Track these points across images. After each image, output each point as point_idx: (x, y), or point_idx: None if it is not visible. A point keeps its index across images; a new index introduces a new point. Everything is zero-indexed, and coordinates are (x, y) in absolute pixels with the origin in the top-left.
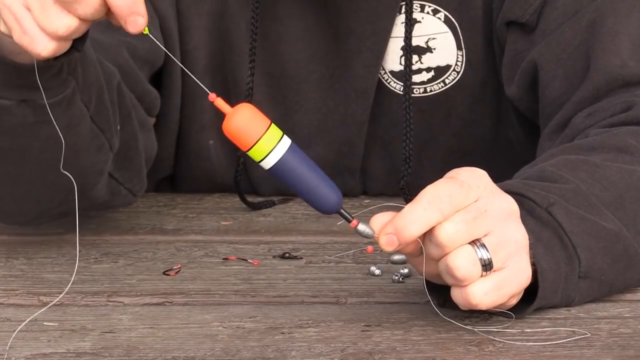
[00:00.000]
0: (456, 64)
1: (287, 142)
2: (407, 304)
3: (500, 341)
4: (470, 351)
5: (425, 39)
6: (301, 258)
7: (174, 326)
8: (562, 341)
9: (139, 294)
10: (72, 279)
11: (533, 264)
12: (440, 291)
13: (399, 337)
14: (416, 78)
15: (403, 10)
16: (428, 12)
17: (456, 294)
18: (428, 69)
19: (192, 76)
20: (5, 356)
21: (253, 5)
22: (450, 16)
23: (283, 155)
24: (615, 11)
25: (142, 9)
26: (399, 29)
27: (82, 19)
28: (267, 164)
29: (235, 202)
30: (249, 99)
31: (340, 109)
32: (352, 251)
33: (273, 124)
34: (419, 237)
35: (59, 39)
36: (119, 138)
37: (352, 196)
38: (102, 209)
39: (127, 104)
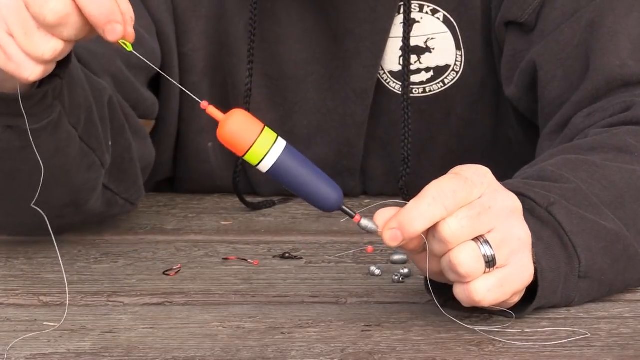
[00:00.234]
0: (455, 64)
1: (282, 144)
2: (407, 304)
3: (500, 341)
4: (470, 351)
5: (424, 39)
6: (301, 258)
7: (174, 326)
8: (562, 341)
9: (139, 294)
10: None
11: (534, 263)
12: (442, 291)
13: (399, 337)
14: (415, 78)
15: (402, 10)
16: (427, 12)
17: (459, 291)
18: (427, 69)
19: (181, 87)
20: (5, 356)
21: (251, 6)
22: (449, 16)
23: (279, 158)
24: (614, 11)
25: (119, 17)
26: (397, 29)
27: (67, 41)
28: (264, 167)
29: (235, 202)
30: (247, 99)
31: (340, 109)
32: (352, 251)
33: (267, 127)
34: (423, 233)
35: (45, 62)
36: (112, 152)
37: (352, 196)
38: (101, 220)
39: (119, 117)
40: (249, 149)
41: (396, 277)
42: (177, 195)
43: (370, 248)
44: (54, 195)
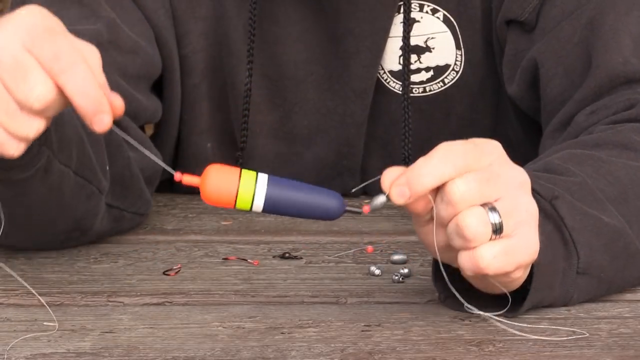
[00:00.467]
0: (455, 64)
1: (263, 178)
2: (407, 304)
3: (500, 341)
4: (470, 351)
5: (424, 38)
6: (301, 258)
7: (174, 326)
8: (562, 341)
9: (139, 294)
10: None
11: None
12: (446, 285)
13: (399, 337)
14: (415, 78)
15: (402, 10)
16: (427, 12)
17: (463, 258)
18: (427, 69)
19: (141, 147)
20: (5, 356)
21: (251, 6)
22: (449, 15)
23: (267, 194)
24: (615, 9)
25: (106, 106)
26: (397, 28)
27: (50, 117)
28: (258, 208)
29: None
30: (247, 100)
31: (339, 109)
32: (352, 250)
33: (243, 170)
34: (431, 195)
35: (29, 140)
36: (112, 171)
37: (352, 196)
38: (111, 235)
39: (115, 136)
40: (236, 199)
41: (396, 277)
42: (177, 195)
43: (370, 248)
44: (57, 226)
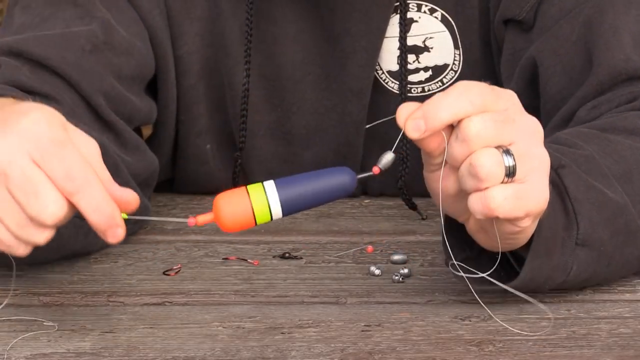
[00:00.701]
0: (454, 63)
1: (271, 186)
2: (407, 304)
3: (500, 341)
4: (470, 351)
5: (423, 38)
6: (301, 258)
7: (174, 326)
8: (562, 341)
9: (138, 294)
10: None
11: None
12: (453, 248)
13: (399, 337)
14: (414, 77)
15: (406, 10)
16: (425, 12)
17: (474, 200)
18: (426, 69)
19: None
20: (5, 356)
21: (247, 6)
22: (447, 15)
23: (280, 199)
24: (613, 8)
25: (119, 219)
26: (395, 28)
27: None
28: (277, 215)
29: None
30: (244, 100)
31: (338, 108)
32: (352, 250)
33: (249, 186)
34: (445, 132)
35: (37, 245)
36: None
37: (352, 196)
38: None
39: (112, 159)
40: (255, 217)
41: (396, 277)
42: (177, 195)
43: (370, 248)
44: (56, 258)
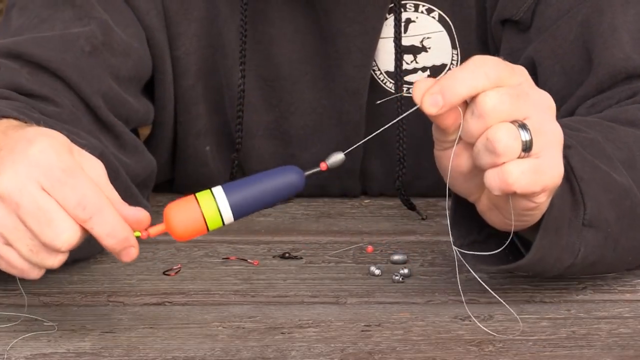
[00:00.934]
0: (451, 63)
1: (219, 191)
2: (407, 304)
3: (501, 341)
4: (470, 351)
5: (420, 38)
6: (301, 258)
7: (174, 326)
8: (562, 341)
9: (138, 294)
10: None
11: None
12: (462, 231)
13: (399, 337)
14: (412, 78)
15: (400, 10)
16: (422, 12)
17: (491, 175)
18: (424, 69)
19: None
20: (5, 356)
21: (241, 7)
22: (444, 15)
23: (230, 203)
24: (611, 7)
25: (133, 240)
26: (391, 29)
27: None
28: (229, 219)
29: None
30: (240, 101)
31: (335, 109)
32: (352, 247)
33: (197, 194)
34: (460, 106)
35: (50, 268)
36: None
37: (352, 196)
38: None
39: (112, 161)
40: (206, 223)
41: (396, 277)
42: (177, 196)
43: (370, 248)
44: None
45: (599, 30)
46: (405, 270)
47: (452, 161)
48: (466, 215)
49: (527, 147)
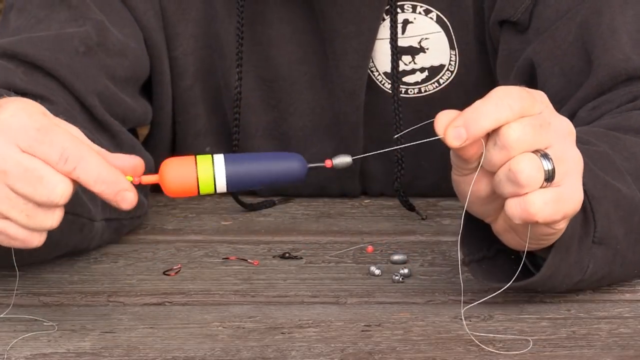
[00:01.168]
0: (450, 64)
1: (220, 159)
2: (407, 304)
3: (500, 341)
4: (470, 351)
5: (418, 39)
6: (301, 258)
7: (174, 326)
8: (562, 341)
9: (139, 294)
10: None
11: None
12: (472, 248)
13: (399, 337)
14: (410, 78)
15: (396, 11)
16: (420, 13)
17: (513, 205)
18: (422, 69)
19: None
20: (5, 356)
21: (238, 9)
22: (442, 16)
23: (227, 172)
24: (610, 8)
25: (125, 183)
26: (389, 30)
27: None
28: (221, 188)
29: (235, 202)
30: (237, 103)
31: (333, 109)
32: (352, 248)
33: (198, 155)
34: (482, 138)
35: (51, 228)
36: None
37: (352, 197)
38: (115, 241)
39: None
40: (198, 186)
41: (396, 277)
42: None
43: (370, 248)
44: (50, 257)
45: (599, 31)
46: (405, 270)
47: (472, 187)
48: (475, 231)
49: (549, 177)
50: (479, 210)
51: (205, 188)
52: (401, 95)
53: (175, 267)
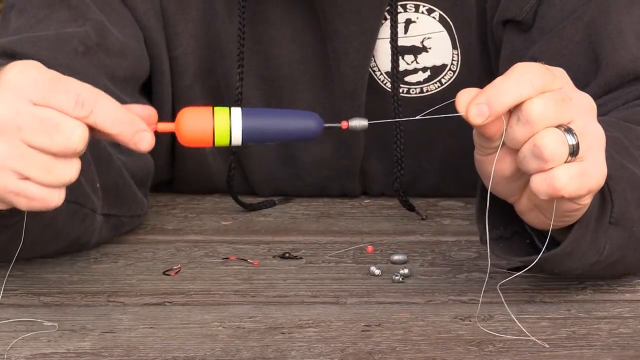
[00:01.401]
0: (452, 63)
1: (237, 112)
2: (407, 304)
3: (500, 341)
4: (470, 351)
5: (421, 38)
6: (301, 258)
7: (174, 326)
8: (562, 341)
9: (139, 294)
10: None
11: None
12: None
13: (399, 337)
14: (412, 78)
15: (396, 11)
16: (423, 12)
17: (538, 180)
18: (424, 69)
19: None
20: (5, 356)
21: (239, 10)
22: (445, 15)
23: (243, 125)
24: (617, 9)
25: (142, 124)
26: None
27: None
28: (237, 141)
29: (235, 202)
30: (239, 104)
31: (334, 109)
32: (352, 248)
33: (216, 107)
34: (504, 115)
35: (71, 182)
36: (105, 183)
37: (352, 197)
38: (113, 239)
39: (104, 149)
40: (214, 136)
41: (396, 277)
42: (177, 196)
43: (370, 248)
44: (52, 249)
45: (606, 31)
46: (405, 270)
47: (495, 165)
48: (492, 210)
49: (573, 152)
50: (502, 190)
51: (221, 139)
52: (403, 95)
53: (175, 267)
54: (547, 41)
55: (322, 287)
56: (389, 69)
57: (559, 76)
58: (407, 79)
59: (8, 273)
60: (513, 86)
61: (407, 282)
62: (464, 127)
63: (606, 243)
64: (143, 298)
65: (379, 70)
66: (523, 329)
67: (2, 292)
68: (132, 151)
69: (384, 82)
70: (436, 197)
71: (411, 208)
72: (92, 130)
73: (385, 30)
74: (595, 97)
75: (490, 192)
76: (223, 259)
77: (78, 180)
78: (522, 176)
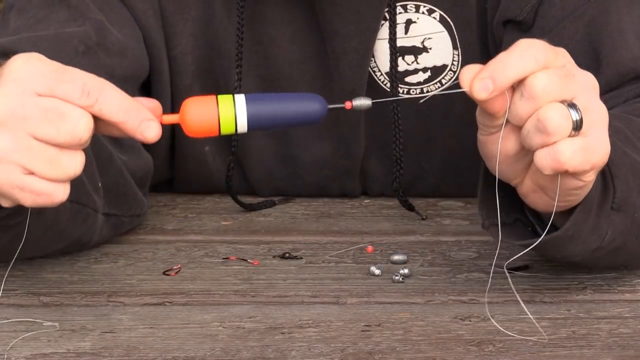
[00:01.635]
0: (452, 64)
1: (241, 99)
2: (407, 304)
3: (500, 341)
4: (470, 351)
5: (421, 39)
6: (301, 258)
7: (174, 326)
8: (562, 341)
9: (139, 294)
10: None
11: None
12: (490, 211)
13: (399, 337)
14: (413, 78)
15: (395, 11)
16: (423, 12)
17: (542, 155)
18: (424, 69)
19: None
20: (5, 356)
21: (238, 10)
22: (445, 16)
23: (248, 112)
24: (617, 8)
25: (148, 113)
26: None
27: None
28: (242, 128)
29: (235, 202)
30: None
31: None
32: (352, 248)
33: (219, 95)
34: (508, 92)
35: (76, 175)
36: (106, 182)
37: (352, 197)
38: (114, 237)
39: (104, 148)
40: (219, 125)
41: (396, 277)
42: (177, 196)
43: (370, 248)
44: (53, 249)
45: (607, 31)
46: (405, 270)
47: (496, 146)
48: (494, 197)
49: (577, 126)
50: (506, 170)
51: (227, 128)
52: (403, 95)
53: (175, 267)
54: (548, 40)
55: (322, 287)
56: (389, 69)
57: (562, 53)
58: (407, 79)
59: (8, 273)
60: (517, 61)
61: (407, 282)
62: (464, 127)
63: (608, 228)
64: (143, 298)
65: (379, 70)
66: (529, 315)
67: (2, 292)
68: (132, 150)
69: (384, 83)
70: (436, 197)
71: (411, 208)
72: (98, 122)
73: (385, 30)
74: None
75: (487, 178)
76: (223, 259)
77: (80, 180)
78: (526, 155)
